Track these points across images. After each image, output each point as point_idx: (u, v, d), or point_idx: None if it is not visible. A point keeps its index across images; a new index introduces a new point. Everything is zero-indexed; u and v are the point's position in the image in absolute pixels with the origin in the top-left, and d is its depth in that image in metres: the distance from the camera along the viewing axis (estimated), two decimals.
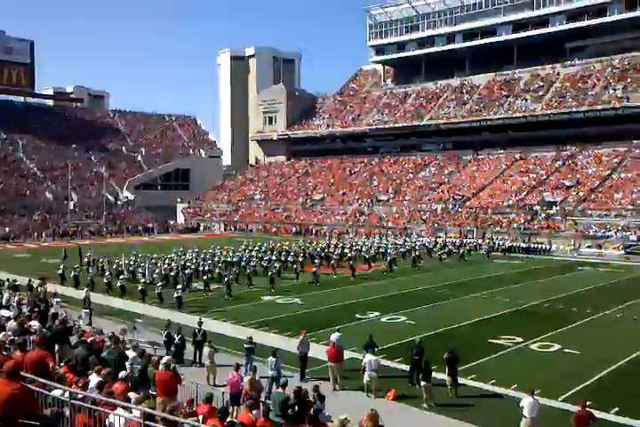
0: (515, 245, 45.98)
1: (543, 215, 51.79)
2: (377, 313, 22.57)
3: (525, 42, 73.04)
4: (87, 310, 20.72)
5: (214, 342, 15.32)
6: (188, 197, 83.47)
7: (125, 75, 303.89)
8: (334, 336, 15.35)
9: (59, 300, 20.60)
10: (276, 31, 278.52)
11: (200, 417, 8.08)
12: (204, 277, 28.54)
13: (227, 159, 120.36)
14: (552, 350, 17.35)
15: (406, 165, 74.11)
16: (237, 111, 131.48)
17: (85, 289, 23.01)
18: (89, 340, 11.86)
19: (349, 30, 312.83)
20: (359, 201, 67.52)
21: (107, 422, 6.38)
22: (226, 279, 26.85)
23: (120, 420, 6.31)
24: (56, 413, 5.90)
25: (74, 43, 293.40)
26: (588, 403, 12.11)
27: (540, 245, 45.66)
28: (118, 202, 78.99)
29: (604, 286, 29.63)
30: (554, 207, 52.66)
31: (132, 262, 33.25)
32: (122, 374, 8.58)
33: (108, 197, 76.53)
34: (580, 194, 53.60)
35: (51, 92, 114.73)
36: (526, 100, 69.23)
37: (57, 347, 12.03)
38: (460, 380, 13.81)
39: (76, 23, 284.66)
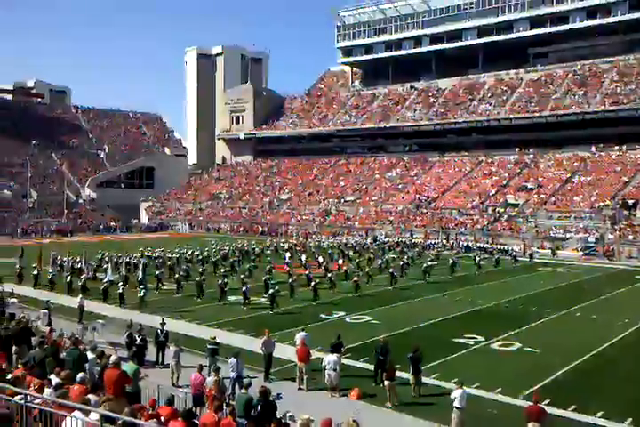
0: (478, 245, 46.77)
1: (505, 217, 52.81)
2: (342, 313, 22.65)
3: (490, 47, 74.41)
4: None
5: (179, 343, 15.13)
6: (153, 196, 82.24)
7: (88, 71, 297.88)
8: (300, 336, 15.33)
9: (15, 300, 20.04)
10: (244, 31, 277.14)
11: (162, 419, 7.96)
12: (176, 276, 27.88)
13: (192, 158, 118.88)
14: (512, 348, 17.69)
15: (373, 166, 74.62)
16: (204, 110, 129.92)
17: (80, 297, 21.57)
18: (48, 341, 11.57)
19: (318, 32, 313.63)
20: (326, 201, 67.65)
21: (63, 426, 6.21)
22: (197, 279, 26.17)
23: (77, 423, 6.15)
24: (6, 415, 5.71)
25: (34, 36, 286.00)
26: (547, 401, 12.43)
27: (502, 246, 46.37)
28: (80, 200, 77.29)
29: (563, 287, 30.36)
30: (516, 209, 53.75)
31: (94, 262, 32.62)
32: (80, 375, 8.37)
33: (69, 195, 74.81)
34: (542, 196, 54.86)
35: (10, 86, 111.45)
36: (490, 104, 70.55)
37: (15, 348, 11.70)
38: (424, 379, 13.95)
39: (38, 16, 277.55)
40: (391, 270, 29.89)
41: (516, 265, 38.82)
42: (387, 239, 51.07)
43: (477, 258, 36.69)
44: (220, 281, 25.43)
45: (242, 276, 27.69)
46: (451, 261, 34.24)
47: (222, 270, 29.50)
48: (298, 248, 42.64)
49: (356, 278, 27.27)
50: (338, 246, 44.56)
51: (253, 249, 41.88)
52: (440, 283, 30.75)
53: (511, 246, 45.64)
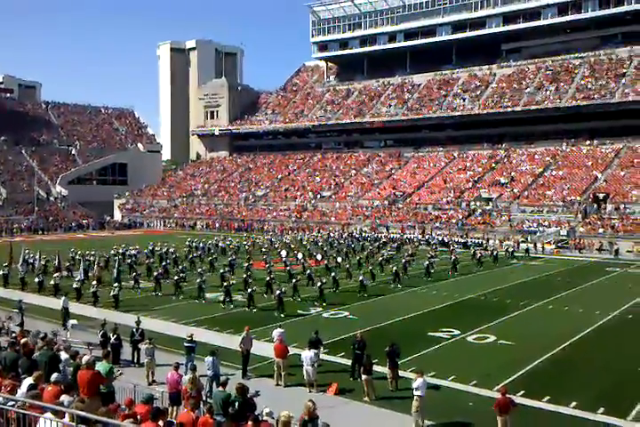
0: (453, 240, 47.16)
1: (479, 211, 53.40)
2: (319, 309, 22.67)
3: (464, 42, 75.05)
4: (67, 323, 18.60)
5: (154, 341, 14.99)
6: (126, 192, 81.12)
7: (59, 65, 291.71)
8: (277, 332, 15.31)
9: None
10: (218, 26, 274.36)
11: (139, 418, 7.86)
12: (176, 278, 26.36)
13: (167, 154, 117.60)
14: (487, 341, 17.91)
15: (349, 162, 74.76)
16: (178, 105, 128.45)
17: (63, 298, 20.81)
18: (21, 341, 11.32)
19: (293, 26, 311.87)
20: (302, 197, 67.57)
21: None
22: (198, 280, 25.08)
23: (51, 424, 6.04)
24: None
25: (3, 29, 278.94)
26: (522, 392, 12.62)
27: (476, 241, 46.74)
28: (51, 197, 75.84)
29: (537, 279, 30.85)
30: (489, 203, 54.40)
31: (68, 261, 32.08)
32: (54, 376, 8.21)
33: (40, 192, 73.36)
34: (515, 191, 55.61)
35: None
36: (464, 99, 71.17)
37: None
38: (401, 373, 14.04)
39: (6, 9, 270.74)
40: (395, 269, 29.21)
41: (512, 260, 38.75)
42: (378, 235, 50.89)
43: (479, 254, 36.50)
44: (225, 283, 24.38)
45: (244, 276, 26.40)
46: (452, 258, 33.83)
47: (221, 271, 28.74)
48: (292, 246, 41.87)
49: (361, 277, 26.53)
50: (331, 244, 44.32)
51: (245, 245, 41.55)
52: (416, 278, 30.88)
53: (504, 242, 45.82)
